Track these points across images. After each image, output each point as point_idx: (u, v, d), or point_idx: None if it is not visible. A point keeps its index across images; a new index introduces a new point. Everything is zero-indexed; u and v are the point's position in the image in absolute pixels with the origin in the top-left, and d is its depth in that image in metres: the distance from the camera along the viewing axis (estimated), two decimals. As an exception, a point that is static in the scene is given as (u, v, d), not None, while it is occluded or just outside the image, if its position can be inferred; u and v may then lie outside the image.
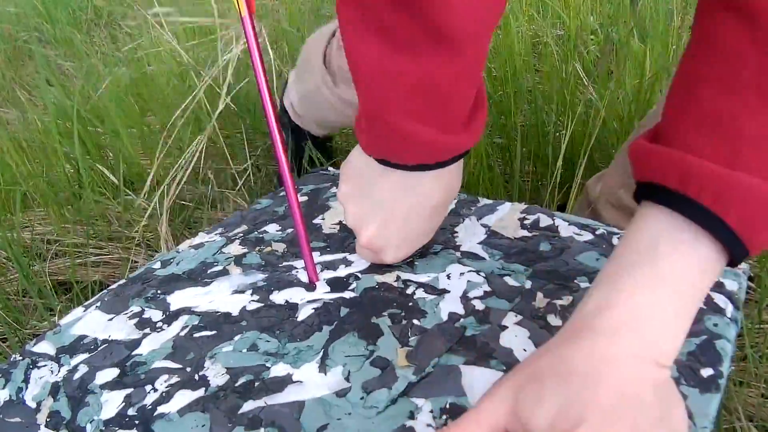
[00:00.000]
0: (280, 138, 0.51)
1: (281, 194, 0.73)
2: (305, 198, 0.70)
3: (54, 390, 0.48)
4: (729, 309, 0.46)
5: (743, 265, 0.51)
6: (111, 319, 0.54)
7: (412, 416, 0.39)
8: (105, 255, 0.99)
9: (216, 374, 0.45)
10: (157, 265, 0.62)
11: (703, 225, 0.35)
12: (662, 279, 0.36)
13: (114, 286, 0.60)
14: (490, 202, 0.63)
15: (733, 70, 0.36)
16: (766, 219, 0.35)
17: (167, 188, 0.99)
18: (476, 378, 0.41)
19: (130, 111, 1.33)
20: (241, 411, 0.41)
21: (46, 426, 0.45)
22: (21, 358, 0.52)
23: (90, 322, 0.55)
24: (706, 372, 0.41)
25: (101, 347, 0.51)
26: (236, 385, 0.44)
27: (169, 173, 1.01)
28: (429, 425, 0.38)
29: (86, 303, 0.58)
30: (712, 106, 0.37)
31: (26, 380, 0.50)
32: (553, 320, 0.46)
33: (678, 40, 1.20)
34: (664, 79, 1.01)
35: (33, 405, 0.47)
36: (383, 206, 0.50)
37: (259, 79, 0.49)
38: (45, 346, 0.53)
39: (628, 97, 0.93)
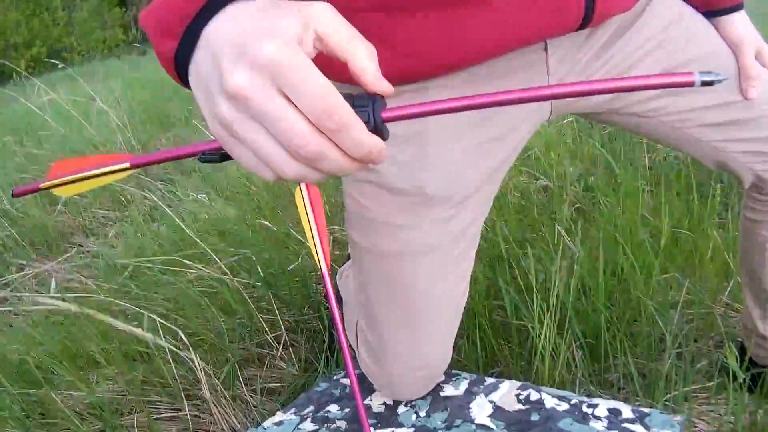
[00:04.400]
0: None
1: (334, 378, 0.95)
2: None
3: None
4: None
5: (678, 417, 0.72)
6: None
7: None
8: (178, 411, 1.17)
9: None
10: (250, 440, 0.83)
11: None
12: None
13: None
14: (493, 380, 0.86)
15: None
16: None
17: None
18: None
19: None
20: None
21: None
22: None
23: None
24: None
25: None
26: None
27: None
28: None
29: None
30: None
31: None
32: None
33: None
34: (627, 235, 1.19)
35: None
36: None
37: (335, 315, 0.72)
38: None
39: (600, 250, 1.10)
